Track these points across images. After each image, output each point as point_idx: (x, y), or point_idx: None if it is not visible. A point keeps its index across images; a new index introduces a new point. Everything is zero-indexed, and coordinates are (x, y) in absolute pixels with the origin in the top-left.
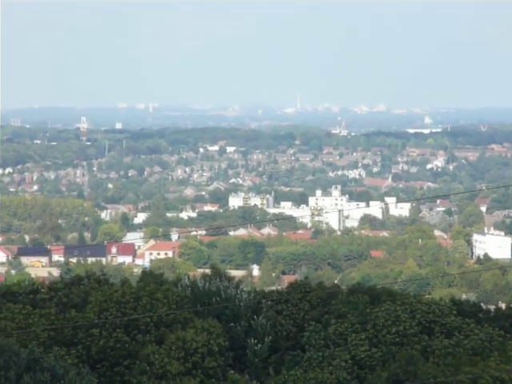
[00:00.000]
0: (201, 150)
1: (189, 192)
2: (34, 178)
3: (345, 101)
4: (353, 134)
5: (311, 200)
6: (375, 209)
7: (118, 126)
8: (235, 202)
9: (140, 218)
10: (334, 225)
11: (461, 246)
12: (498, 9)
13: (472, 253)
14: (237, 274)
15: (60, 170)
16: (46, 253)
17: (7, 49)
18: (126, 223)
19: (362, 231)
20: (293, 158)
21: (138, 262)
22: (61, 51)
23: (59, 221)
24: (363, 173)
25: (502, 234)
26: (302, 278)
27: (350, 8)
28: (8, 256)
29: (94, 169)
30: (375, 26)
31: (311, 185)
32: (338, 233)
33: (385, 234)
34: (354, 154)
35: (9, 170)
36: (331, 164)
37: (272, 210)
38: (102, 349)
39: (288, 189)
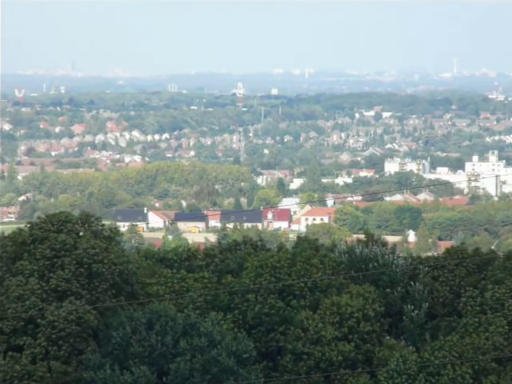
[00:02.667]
0: (356, 115)
1: (344, 157)
2: (191, 143)
3: (502, 66)
4: (510, 98)
5: (468, 165)
6: None
7: (274, 91)
8: (391, 167)
9: (296, 183)
10: (491, 190)
11: None
12: None
13: None
14: (392, 239)
15: (216, 135)
16: (203, 218)
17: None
18: (282, 189)
19: None
20: (449, 123)
21: (294, 227)
22: (215, 18)
23: (215, 186)
24: None
25: None
26: (459, 243)
27: None
28: (165, 221)
29: (250, 135)
30: None
31: (468, 150)
32: (495, 198)
33: None
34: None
35: (166, 135)
36: (488, 129)
37: (428, 176)
38: (257, 314)
39: (444, 154)
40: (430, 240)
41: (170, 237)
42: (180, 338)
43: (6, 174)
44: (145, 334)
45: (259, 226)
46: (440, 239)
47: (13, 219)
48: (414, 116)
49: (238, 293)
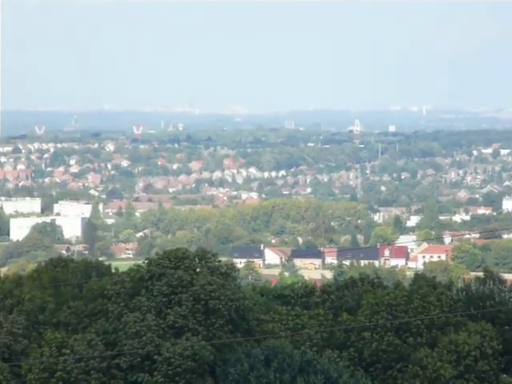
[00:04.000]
0: (474, 152)
1: (462, 195)
2: (308, 180)
3: None
4: None
5: None
6: None
7: (391, 128)
8: (509, 205)
9: (413, 220)
10: None
11: None
12: None
13: None
14: (510, 277)
15: (333, 172)
16: (319, 255)
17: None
18: (399, 226)
19: None
20: None
21: (411, 264)
22: (333, 55)
23: (332, 223)
24: None
25: None
26: None
27: None
28: (281, 258)
29: (367, 171)
30: None
31: None
32: None
33: None
34: None
35: (282, 172)
36: None
37: None
38: (374, 352)
39: None
40: None
41: (287, 273)
42: (297, 376)
43: (124, 210)
44: (263, 370)
45: (376, 263)
46: None
47: (130, 255)
48: None
49: (354, 330)
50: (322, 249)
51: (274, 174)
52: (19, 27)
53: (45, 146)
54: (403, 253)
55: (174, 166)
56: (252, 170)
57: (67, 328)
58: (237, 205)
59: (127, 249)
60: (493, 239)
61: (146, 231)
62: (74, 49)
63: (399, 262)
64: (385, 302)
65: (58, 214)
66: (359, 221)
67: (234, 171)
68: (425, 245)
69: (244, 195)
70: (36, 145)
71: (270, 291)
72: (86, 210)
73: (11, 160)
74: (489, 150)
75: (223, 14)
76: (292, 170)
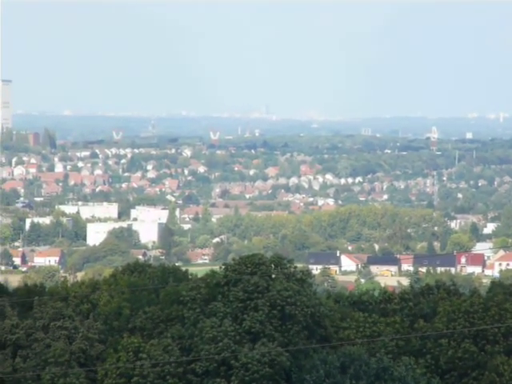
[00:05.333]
0: None
1: None
2: (384, 187)
3: None
4: None
5: None
6: None
7: (468, 135)
8: None
9: (489, 228)
10: None
11: None
12: None
13: None
14: None
15: (409, 179)
16: (396, 262)
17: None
18: (476, 233)
19: None
20: None
21: (488, 272)
22: (411, 63)
23: (408, 230)
24: None
25: None
26: None
27: None
28: (358, 264)
29: (444, 178)
30: None
31: None
32: None
33: None
34: None
35: (359, 179)
36: None
37: None
38: (450, 359)
39: None
40: None
41: (363, 280)
42: (374, 383)
43: (200, 215)
44: (339, 377)
45: (452, 270)
46: None
47: (207, 261)
48: None
49: (431, 337)
50: (398, 256)
51: (350, 180)
52: (96, 32)
53: (122, 152)
54: (480, 260)
55: (251, 172)
56: (328, 176)
57: (143, 333)
58: (313, 211)
59: (203, 254)
60: None
61: (222, 237)
62: (153, 54)
63: (476, 270)
64: (462, 310)
65: (135, 219)
66: (436, 228)
67: (311, 177)
68: (501, 252)
69: (320, 201)
70: (113, 150)
71: (345, 298)
72: (162, 215)
73: (89, 165)
74: None
75: (302, 17)
76: (368, 176)
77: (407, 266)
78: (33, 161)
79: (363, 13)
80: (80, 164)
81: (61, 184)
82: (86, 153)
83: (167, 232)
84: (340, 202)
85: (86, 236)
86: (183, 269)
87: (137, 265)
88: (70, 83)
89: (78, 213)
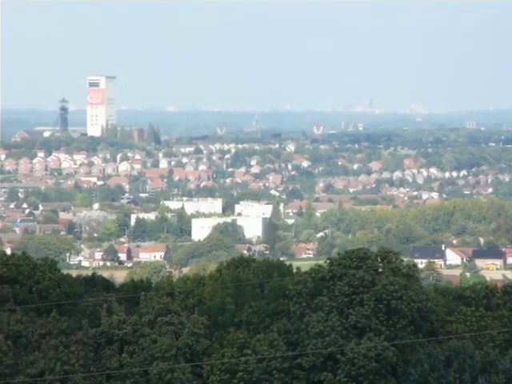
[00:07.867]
0: None
1: None
2: (489, 180)
3: None
4: None
5: None
6: None
7: None
8: None
9: None
10: None
11: None
12: None
13: None
14: None
15: None
16: (501, 255)
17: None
18: None
19: None
20: None
21: None
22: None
23: None
24: None
25: None
26: None
27: None
28: (463, 258)
29: None
30: None
31: None
32: None
33: None
34: None
35: (463, 172)
36: None
37: None
38: None
39: None
40: None
41: (468, 274)
42: (478, 376)
43: (304, 210)
44: (443, 371)
45: None
46: None
47: (311, 255)
48: None
49: None
50: (503, 249)
51: (454, 173)
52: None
53: (226, 147)
54: None
55: (355, 166)
56: (433, 169)
57: (248, 328)
58: (417, 205)
59: (307, 249)
60: None
61: (326, 231)
62: (257, 50)
63: None
64: None
65: (240, 214)
66: None
67: (415, 171)
68: None
69: (425, 195)
70: (217, 145)
71: (450, 292)
72: (266, 210)
73: (193, 161)
74: None
75: (401, 12)
76: (473, 169)
77: None
78: (137, 157)
79: (471, 8)
80: (184, 160)
81: (165, 180)
82: (191, 148)
83: (271, 227)
84: (444, 195)
85: (190, 231)
86: (287, 263)
87: (241, 260)
88: (174, 79)
89: (182, 208)
